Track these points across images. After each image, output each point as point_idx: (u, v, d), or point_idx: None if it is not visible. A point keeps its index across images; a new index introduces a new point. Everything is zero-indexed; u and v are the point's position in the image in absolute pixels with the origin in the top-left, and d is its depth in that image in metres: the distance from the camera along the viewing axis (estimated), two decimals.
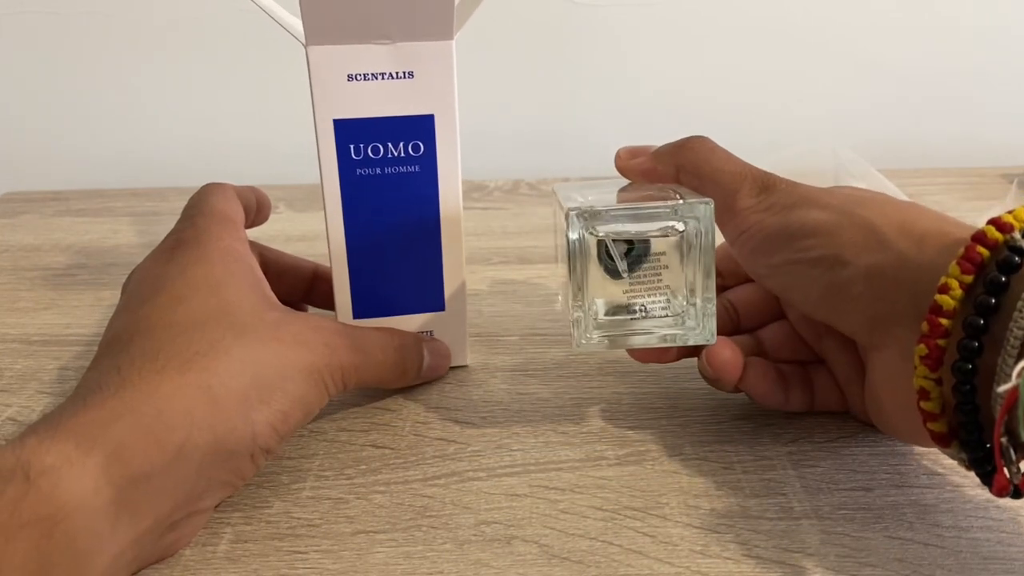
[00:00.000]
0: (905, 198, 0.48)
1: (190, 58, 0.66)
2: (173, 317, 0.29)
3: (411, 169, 0.34)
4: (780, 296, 0.34)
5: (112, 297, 0.47)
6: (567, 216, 0.30)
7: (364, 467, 0.32)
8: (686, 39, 0.67)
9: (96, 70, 0.66)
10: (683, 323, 0.32)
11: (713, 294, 0.31)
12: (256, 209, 0.39)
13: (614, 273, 0.31)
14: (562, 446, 0.33)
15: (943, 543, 0.28)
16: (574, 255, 0.30)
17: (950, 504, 0.30)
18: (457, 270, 0.37)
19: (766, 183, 0.32)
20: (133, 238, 0.55)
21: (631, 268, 0.31)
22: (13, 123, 0.68)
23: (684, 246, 0.31)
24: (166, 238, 0.34)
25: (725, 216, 0.32)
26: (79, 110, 0.67)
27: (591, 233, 0.30)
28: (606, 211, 0.30)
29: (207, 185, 0.37)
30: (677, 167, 0.34)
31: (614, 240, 0.30)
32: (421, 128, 0.34)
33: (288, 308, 0.32)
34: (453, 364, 0.39)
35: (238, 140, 0.68)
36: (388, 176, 0.34)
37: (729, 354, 0.32)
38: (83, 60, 0.66)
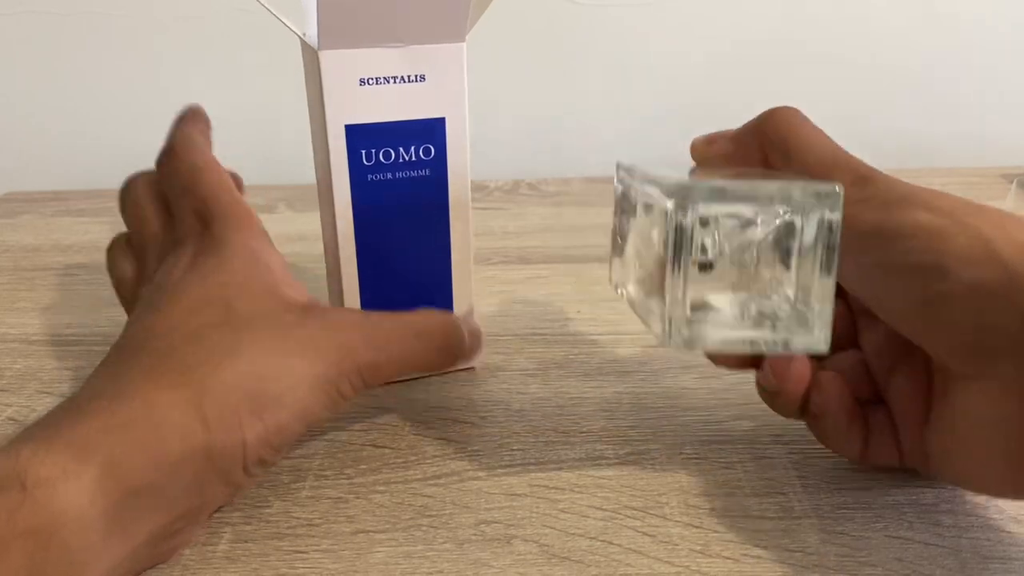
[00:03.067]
0: None
1: (190, 58, 0.66)
2: (179, 328, 0.28)
3: (422, 173, 0.34)
4: (866, 303, 0.29)
5: (112, 297, 0.47)
6: (679, 194, 0.26)
7: (364, 467, 0.32)
8: (687, 39, 0.67)
9: (96, 70, 0.66)
10: (792, 327, 0.27)
11: (833, 295, 0.27)
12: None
13: (705, 265, 0.27)
14: (562, 446, 0.33)
15: (943, 542, 0.28)
16: (680, 238, 0.26)
17: (950, 503, 0.30)
18: (465, 272, 0.37)
19: (863, 172, 0.28)
20: None
21: (719, 257, 0.27)
22: (13, 123, 0.68)
23: (803, 238, 0.26)
24: (180, 240, 0.31)
25: None
26: (79, 110, 0.67)
27: (696, 220, 0.26)
28: (722, 190, 0.26)
29: (196, 169, 0.32)
30: (761, 142, 0.30)
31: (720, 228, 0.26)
32: (432, 131, 0.34)
33: (310, 303, 0.30)
34: (462, 367, 0.38)
35: (238, 140, 0.67)
36: (399, 181, 0.34)
37: (798, 363, 0.29)
38: (83, 60, 0.66)
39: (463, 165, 0.35)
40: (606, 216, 0.59)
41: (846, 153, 0.29)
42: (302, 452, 0.33)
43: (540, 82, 0.68)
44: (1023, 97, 0.69)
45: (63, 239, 0.56)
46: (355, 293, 0.36)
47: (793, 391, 0.29)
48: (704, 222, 0.26)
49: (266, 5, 0.33)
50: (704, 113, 0.67)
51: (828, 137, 0.30)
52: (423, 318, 0.32)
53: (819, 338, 0.27)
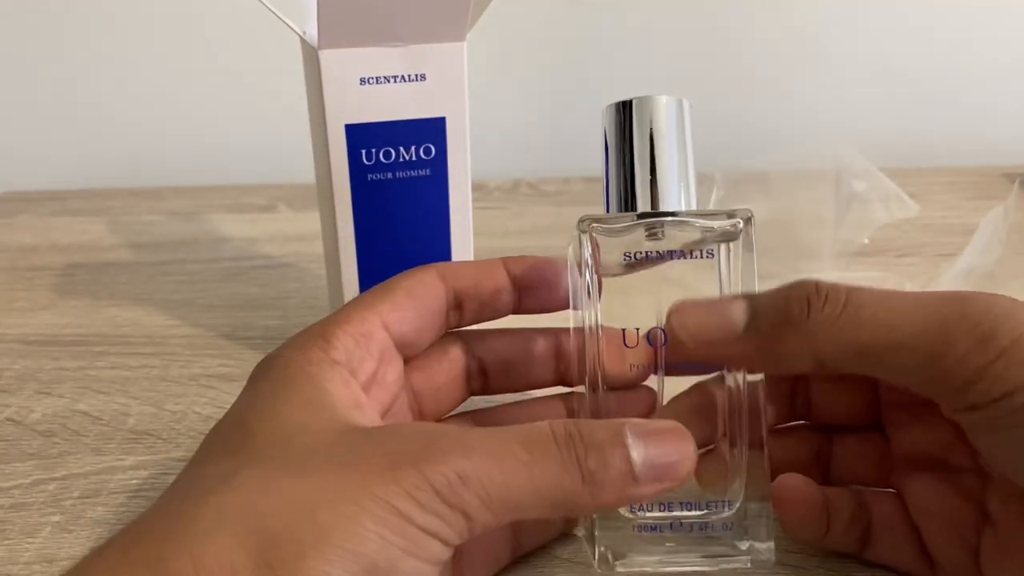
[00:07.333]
0: (907, 197, 0.48)
1: (189, 56, 0.66)
2: (200, 486, 0.20)
3: (422, 173, 0.34)
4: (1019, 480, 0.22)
5: (109, 297, 0.47)
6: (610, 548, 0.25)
7: None
8: (687, 37, 0.67)
9: (95, 69, 0.66)
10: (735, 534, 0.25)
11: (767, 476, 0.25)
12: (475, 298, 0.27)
13: None
14: None
15: None
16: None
17: None
18: None
19: (987, 327, 0.21)
20: (131, 238, 0.55)
21: None
22: (11, 122, 0.68)
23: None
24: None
25: (934, 371, 0.22)
26: (77, 110, 0.67)
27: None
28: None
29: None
30: (816, 359, 0.23)
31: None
32: (433, 131, 0.34)
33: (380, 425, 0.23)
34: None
35: (238, 139, 0.67)
36: (399, 181, 0.34)
37: (800, 483, 0.26)
38: (82, 59, 0.66)
39: (464, 165, 0.35)
40: None
41: (942, 302, 0.22)
42: None
43: (540, 82, 0.68)
44: None
45: (61, 239, 0.56)
46: (355, 293, 0.35)
47: (803, 519, 0.26)
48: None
49: (266, 4, 0.33)
50: (703, 112, 0.67)
51: (894, 296, 0.23)
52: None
53: (765, 548, 0.25)
